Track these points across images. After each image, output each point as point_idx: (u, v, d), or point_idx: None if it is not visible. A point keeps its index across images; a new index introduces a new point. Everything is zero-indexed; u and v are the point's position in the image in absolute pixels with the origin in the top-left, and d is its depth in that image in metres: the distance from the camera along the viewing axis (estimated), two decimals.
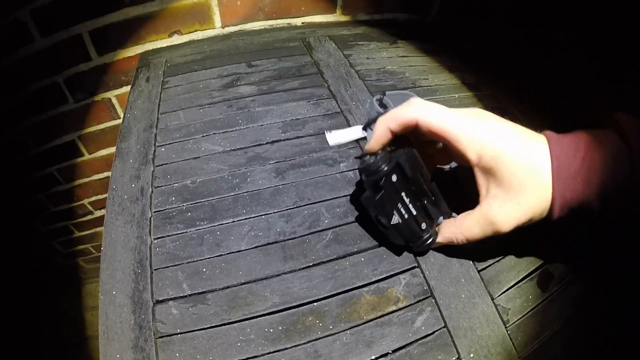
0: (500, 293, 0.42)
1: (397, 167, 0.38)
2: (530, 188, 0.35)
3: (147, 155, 0.53)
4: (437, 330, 0.39)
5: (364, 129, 0.53)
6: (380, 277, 0.42)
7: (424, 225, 0.40)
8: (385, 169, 0.38)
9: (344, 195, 0.49)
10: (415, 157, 0.40)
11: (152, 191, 0.49)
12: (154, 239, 0.44)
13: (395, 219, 0.39)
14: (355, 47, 0.76)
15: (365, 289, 0.41)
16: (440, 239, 0.41)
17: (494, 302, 0.41)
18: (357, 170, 0.52)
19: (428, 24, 0.91)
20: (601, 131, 0.36)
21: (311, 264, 0.42)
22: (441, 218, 0.42)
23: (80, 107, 0.84)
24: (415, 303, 0.40)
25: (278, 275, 0.41)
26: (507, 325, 0.39)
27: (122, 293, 0.40)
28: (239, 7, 0.78)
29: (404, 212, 0.39)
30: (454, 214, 0.42)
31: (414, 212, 0.40)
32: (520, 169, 0.35)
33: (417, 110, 0.37)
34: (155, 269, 0.42)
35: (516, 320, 0.40)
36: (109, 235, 0.45)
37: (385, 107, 0.51)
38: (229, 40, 0.78)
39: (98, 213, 1.12)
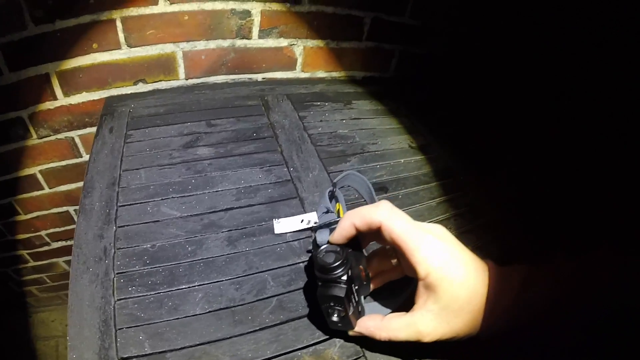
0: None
1: (350, 276, 0.41)
2: (464, 315, 0.39)
3: (110, 215, 0.57)
4: None
5: (317, 229, 0.50)
6: (318, 340, 0.47)
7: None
8: (342, 275, 0.40)
9: (289, 265, 0.55)
10: (363, 258, 0.44)
11: (115, 252, 0.53)
12: (117, 299, 0.48)
13: (341, 314, 0.42)
14: (310, 108, 0.82)
15: (305, 350, 0.46)
16: (362, 329, 0.44)
17: None
18: (301, 241, 0.58)
19: (386, 80, 0.98)
20: (538, 270, 0.40)
21: (257, 328, 0.48)
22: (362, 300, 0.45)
23: (44, 143, 0.85)
24: None
25: (229, 338, 0.47)
26: None
27: (90, 350, 0.44)
28: (204, 61, 0.83)
29: (351, 306, 0.42)
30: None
31: (354, 304, 0.43)
32: (461, 296, 0.38)
33: (384, 215, 0.40)
34: (119, 329, 0.46)
35: None
36: (75, 293, 0.49)
37: (336, 200, 0.54)
38: (192, 93, 0.82)
39: (55, 245, 1.12)
